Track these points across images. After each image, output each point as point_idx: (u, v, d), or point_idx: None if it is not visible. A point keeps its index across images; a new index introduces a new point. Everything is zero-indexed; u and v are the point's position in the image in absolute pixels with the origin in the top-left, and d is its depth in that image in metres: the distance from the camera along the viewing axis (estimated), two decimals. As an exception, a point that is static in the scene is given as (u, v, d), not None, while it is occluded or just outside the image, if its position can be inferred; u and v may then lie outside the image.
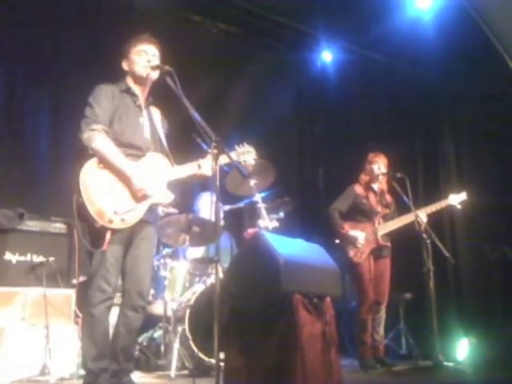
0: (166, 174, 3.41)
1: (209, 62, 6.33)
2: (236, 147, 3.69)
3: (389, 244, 5.13)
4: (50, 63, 5.36)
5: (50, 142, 5.45)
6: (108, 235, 3.13)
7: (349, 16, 6.06)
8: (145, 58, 3.43)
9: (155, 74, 3.44)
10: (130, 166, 3.26)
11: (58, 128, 5.38)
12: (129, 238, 3.31)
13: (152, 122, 3.54)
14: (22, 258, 4.40)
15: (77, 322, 4.24)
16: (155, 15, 5.80)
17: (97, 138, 3.19)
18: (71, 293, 4.39)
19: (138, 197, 3.25)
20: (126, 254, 3.32)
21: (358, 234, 5.00)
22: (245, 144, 3.74)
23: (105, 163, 3.21)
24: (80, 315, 4.17)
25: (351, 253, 4.99)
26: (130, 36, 3.57)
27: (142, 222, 3.31)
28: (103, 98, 3.34)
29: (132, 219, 3.22)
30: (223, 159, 3.27)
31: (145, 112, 3.53)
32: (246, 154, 3.70)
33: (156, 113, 3.62)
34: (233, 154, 3.61)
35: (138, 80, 3.49)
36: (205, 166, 3.43)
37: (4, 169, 5.07)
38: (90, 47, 5.36)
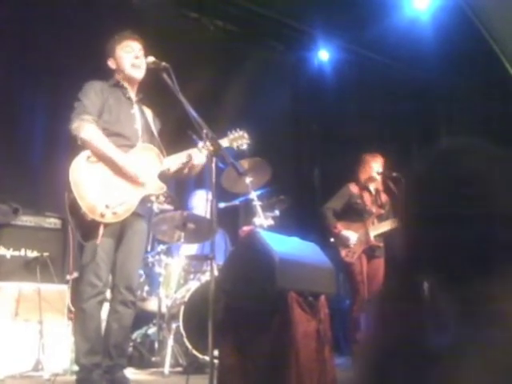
0: (157, 164, 3.41)
1: (205, 59, 6.32)
2: (228, 133, 3.68)
3: (381, 244, 5.13)
4: (47, 59, 5.34)
5: (46, 137, 5.43)
6: (101, 229, 3.14)
7: (346, 15, 6.07)
8: (131, 54, 3.45)
9: (142, 74, 3.45)
10: (122, 155, 3.26)
11: (53, 123, 5.35)
12: (120, 231, 3.32)
13: (144, 116, 3.55)
14: (16, 253, 4.39)
15: (70, 318, 4.23)
16: (152, 12, 5.80)
17: (85, 127, 3.21)
18: (65, 288, 4.38)
19: (133, 184, 3.25)
20: (116, 248, 3.33)
21: (350, 235, 5.00)
22: (237, 129, 3.73)
23: (95, 154, 3.22)
24: (73, 311, 4.16)
25: (343, 253, 4.99)
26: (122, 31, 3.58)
27: (134, 215, 3.32)
28: (91, 92, 3.37)
29: (124, 212, 3.22)
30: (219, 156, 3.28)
31: (136, 106, 3.54)
32: (239, 140, 3.69)
33: (148, 111, 3.63)
34: (225, 141, 3.60)
35: (128, 78, 3.51)
36: (195, 155, 3.42)
37: (-2, 163, 5.05)
38: (87, 43, 5.34)
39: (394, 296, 0.89)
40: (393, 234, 4.88)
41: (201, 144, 3.35)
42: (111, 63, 3.53)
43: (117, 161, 3.24)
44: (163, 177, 3.45)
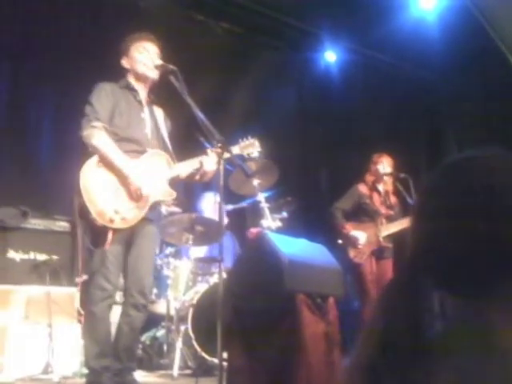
0: (167, 170, 3.42)
1: (212, 61, 6.32)
2: (239, 140, 3.68)
3: (390, 245, 5.11)
4: (55, 63, 5.36)
5: (54, 140, 5.44)
6: (110, 235, 3.14)
7: (353, 16, 6.06)
8: (147, 56, 3.44)
9: (156, 74, 3.45)
10: (129, 164, 3.26)
11: (61, 126, 5.37)
12: (130, 236, 3.32)
13: (154, 119, 3.55)
14: (26, 257, 4.40)
15: (80, 321, 4.24)
16: (159, 14, 5.81)
17: (96, 135, 3.21)
18: (74, 291, 4.39)
19: (136, 196, 3.25)
20: (127, 253, 3.33)
21: (359, 235, 4.99)
22: (248, 137, 3.73)
23: (104, 161, 3.22)
24: (83, 313, 4.18)
25: (352, 253, 4.99)
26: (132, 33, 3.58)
27: (144, 220, 3.32)
28: (102, 95, 3.36)
29: (133, 218, 3.23)
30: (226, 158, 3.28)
31: (146, 108, 3.53)
32: (250, 147, 3.69)
33: (159, 112, 3.62)
34: (236, 148, 3.60)
35: (141, 78, 3.50)
36: (207, 162, 3.42)
37: (8, 167, 5.08)
38: (93, 45, 5.36)
39: (399, 290, 0.90)
40: (403, 234, 4.87)
41: (210, 149, 3.36)
42: (125, 62, 3.51)
43: (123, 171, 3.24)
44: (173, 182, 3.45)
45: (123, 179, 3.24)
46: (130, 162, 3.28)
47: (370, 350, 0.87)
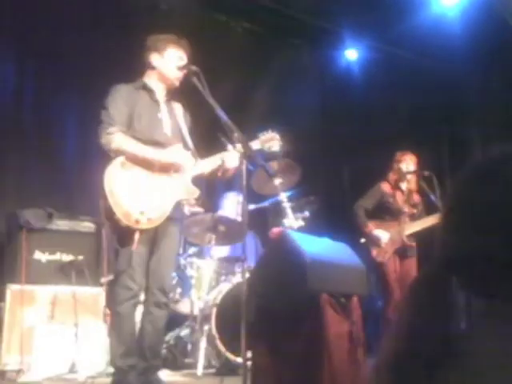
0: (190, 168, 3.42)
1: (233, 61, 6.34)
2: (259, 134, 3.65)
3: (414, 244, 5.07)
4: (78, 65, 5.42)
5: (79, 141, 5.50)
6: (136, 235, 3.16)
7: (374, 13, 6.03)
8: (178, 61, 3.42)
9: (179, 80, 3.45)
10: (157, 152, 3.29)
11: (86, 127, 5.43)
12: (154, 236, 3.34)
13: (173, 116, 3.54)
14: (52, 257, 4.46)
15: (106, 321, 4.29)
16: (180, 15, 5.84)
17: (114, 139, 3.21)
18: (100, 291, 4.44)
19: (168, 187, 3.27)
20: (150, 252, 3.36)
21: (382, 234, 4.96)
22: (268, 131, 3.70)
23: (131, 159, 3.24)
24: (109, 313, 4.22)
25: (374, 252, 4.96)
26: (163, 32, 3.57)
27: (168, 220, 3.33)
28: (118, 99, 3.34)
29: (158, 218, 3.24)
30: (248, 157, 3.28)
31: (163, 107, 3.51)
32: (271, 141, 3.67)
33: (178, 107, 3.60)
34: (256, 143, 3.58)
35: (165, 80, 3.49)
36: (228, 158, 3.41)
37: (33, 168, 5.15)
38: (115, 47, 5.41)
39: (426, 290, 0.89)
40: (427, 233, 4.83)
41: (231, 147, 3.35)
42: (154, 58, 3.45)
43: (154, 158, 3.27)
44: (196, 180, 3.46)
45: (149, 176, 3.27)
46: (156, 150, 3.31)
47: (396, 349, 0.87)
